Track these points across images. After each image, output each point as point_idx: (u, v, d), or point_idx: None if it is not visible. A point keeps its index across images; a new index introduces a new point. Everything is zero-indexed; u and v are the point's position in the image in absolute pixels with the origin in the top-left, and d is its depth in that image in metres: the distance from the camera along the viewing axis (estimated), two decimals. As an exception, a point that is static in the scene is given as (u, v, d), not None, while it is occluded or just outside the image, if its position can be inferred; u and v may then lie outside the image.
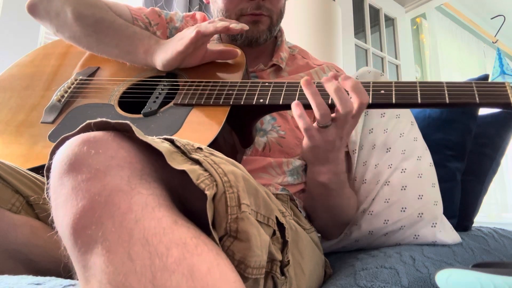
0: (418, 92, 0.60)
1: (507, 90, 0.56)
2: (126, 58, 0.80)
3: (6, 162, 0.59)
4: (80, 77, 0.84)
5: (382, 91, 0.61)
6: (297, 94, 0.65)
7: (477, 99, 0.56)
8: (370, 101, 0.61)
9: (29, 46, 1.43)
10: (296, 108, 0.61)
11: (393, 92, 0.61)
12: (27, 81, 0.86)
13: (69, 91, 0.81)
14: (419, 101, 0.59)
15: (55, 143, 0.39)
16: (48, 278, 0.45)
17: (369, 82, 0.64)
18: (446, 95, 0.58)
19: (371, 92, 0.62)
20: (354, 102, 0.59)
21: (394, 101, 0.60)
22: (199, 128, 0.64)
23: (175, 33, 0.90)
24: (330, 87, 0.60)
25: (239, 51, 0.77)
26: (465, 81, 0.60)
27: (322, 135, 0.61)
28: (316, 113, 0.59)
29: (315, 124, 0.61)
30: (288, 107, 0.67)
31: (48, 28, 0.84)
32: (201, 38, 0.71)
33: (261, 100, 0.66)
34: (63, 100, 0.79)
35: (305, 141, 0.64)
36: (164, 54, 0.74)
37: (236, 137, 0.71)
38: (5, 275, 0.47)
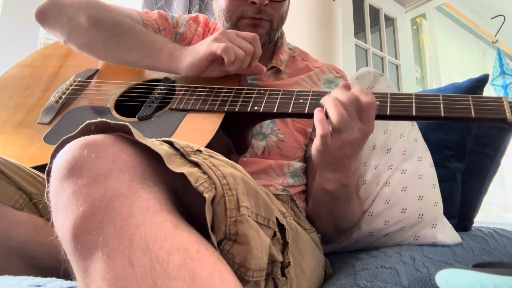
0: (413, 104, 0.59)
1: (504, 105, 0.55)
2: (147, 63, 0.76)
3: (9, 159, 0.59)
4: (79, 79, 0.84)
5: (377, 103, 0.61)
6: (292, 103, 0.65)
7: (473, 113, 0.56)
8: None
9: (29, 46, 1.43)
10: (318, 113, 0.60)
11: (388, 103, 0.60)
12: (27, 81, 0.86)
13: (67, 92, 0.81)
14: (414, 113, 0.58)
15: (55, 146, 0.39)
16: (48, 279, 0.44)
17: None
18: (442, 108, 0.58)
19: None
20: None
21: (388, 113, 0.60)
22: (192, 134, 0.64)
23: (180, 38, 0.90)
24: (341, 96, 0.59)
25: (264, 68, 0.75)
26: (462, 95, 0.59)
27: (335, 139, 0.59)
28: (333, 115, 0.57)
29: (329, 127, 0.59)
30: (282, 115, 0.67)
31: (58, 36, 0.81)
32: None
33: (256, 108, 0.65)
34: (60, 102, 0.79)
35: (317, 146, 0.61)
36: (190, 58, 0.72)
37: (231, 144, 0.70)
38: (5, 275, 0.47)
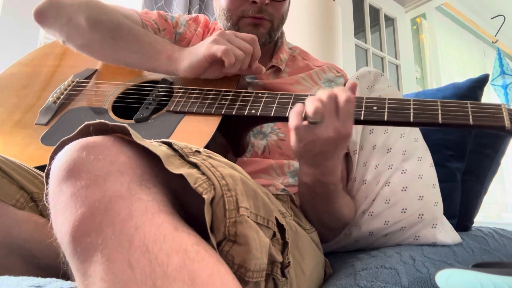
0: (411, 110, 0.59)
1: (503, 113, 0.55)
2: (146, 65, 0.76)
3: (11, 158, 0.59)
4: (77, 79, 0.84)
5: (375, 108, 0.60)
6: (289, 106, 0.65)
7: (471, 120, 0.55)
8: (362, 118, 0.60)
9: (29, 46, 1.43)
10: (298, 106, 0.60)
11: (386, 109, 0.60)
12: (26, 81, 0.86)
13: (65, 93, 0.81)
14: (411, 119, 0.58)
15: (54, 148, 0.38)
16: (48, 279, 0.44)
17: (363, 97, 0.63)
18: (440, 115, 0.57)
19: (363, 109, 0.61)
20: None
21: (386, 118, 0.59)
22: (189, 137, 0.64)
23: (179, 38, 0.90)
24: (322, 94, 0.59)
25: (263, 68, 0.75)
26: (460, 101, 0.59)
27: (307, 133, 0.59)
28: (309, 107, 0.58)
29: (305, 122, 0.59)
30: (279, 119, 0.66)
31: (57, 36, 0.81)
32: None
33: (253, 111, 0.65)
34: (58, 102, 0.79)
35: (291, 137, 0.62)
36: (188, 60, 0.71)
37: (228, 147, 0.70)
38: (5, 276, 0.47)
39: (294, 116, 0.59)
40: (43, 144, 0.70)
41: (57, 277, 0.45)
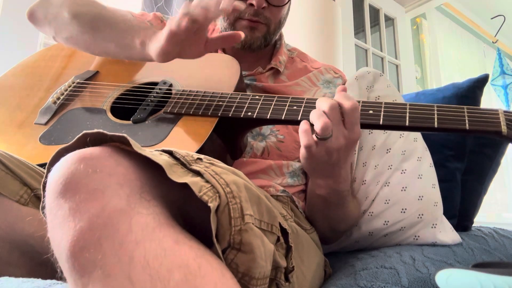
0: (407, 114, 0.59)
1: (500, 118, 0.55)
2: (124, 54, 0.74)
3: (14, 155, 0.59)
4: (78, 80, 0.84)
5: (371, 111, 0.60)
6: (285, 109, 0.65)
7: (467, 125, 0.55)
8: None
9: (29, 46, 1.43)
10: (303, 124, 0.59)
11: (382, 113, 0.60)
12: (28, 82, 0.87)
13: (65, 93, 0.81)
14: (407, 123, 0.58)
15: (50, 159, 0.38)
16: (48, 282, 0.44)
17: (359, 101, 0.62)
18: (436, 119, 0.57)
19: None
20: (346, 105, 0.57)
21: (381, 122, 0.59)
22: (184, 138, 0.64)
23: None
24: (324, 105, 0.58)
25: (242, 33, 0.67)
26: (457, 106, 0.58)
27: (320, 148, 0.58)
28: (317, 124, 0.56)
29: (314, 138, 0.58)
30: (275, 121, 0.66)
31: (48, 33, 0.83)
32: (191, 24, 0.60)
33: (249, 113, 0.65)
34: (58, 102, 0.79)
35: (303, 155, 0.61)
36: (155, 43, 0.66)
37: (225, 149, 0.70)
38: (5, 277, 0.47)
39: (303, 135, 0.58)
40: (41, 143, 0.71)
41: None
